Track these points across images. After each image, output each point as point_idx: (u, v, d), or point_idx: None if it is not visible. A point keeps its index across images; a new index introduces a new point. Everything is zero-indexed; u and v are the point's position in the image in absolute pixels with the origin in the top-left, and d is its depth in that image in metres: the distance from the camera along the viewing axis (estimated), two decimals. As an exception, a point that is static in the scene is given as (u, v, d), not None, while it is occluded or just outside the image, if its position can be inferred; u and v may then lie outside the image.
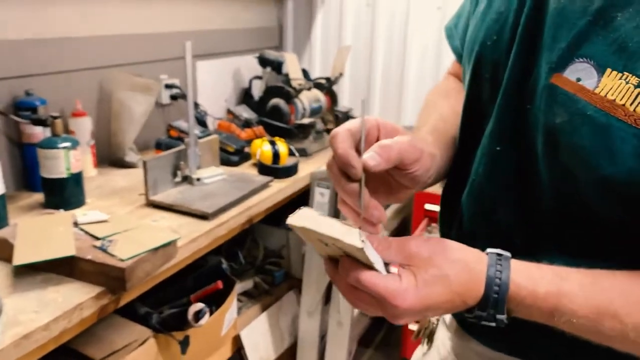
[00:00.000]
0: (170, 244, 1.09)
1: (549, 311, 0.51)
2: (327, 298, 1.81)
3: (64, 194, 1.30)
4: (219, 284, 1.58)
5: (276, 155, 1.62)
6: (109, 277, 0.99)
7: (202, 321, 1.38)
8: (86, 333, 1.24)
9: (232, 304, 1.61)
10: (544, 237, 0.58)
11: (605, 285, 0.50)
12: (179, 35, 1.92)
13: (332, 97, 1.98)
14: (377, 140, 0.57)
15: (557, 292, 0.50)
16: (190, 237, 1.20)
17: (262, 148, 1.62)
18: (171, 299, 1.61)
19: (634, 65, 0.46)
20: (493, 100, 0.60)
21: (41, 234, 1.07)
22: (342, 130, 0.53)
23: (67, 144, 1.28)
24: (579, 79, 0.50)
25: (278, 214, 1.56)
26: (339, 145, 0.52)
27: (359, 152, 0.53)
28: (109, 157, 1.68)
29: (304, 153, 1.79)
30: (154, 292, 1.53)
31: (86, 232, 1.10)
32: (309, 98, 1.82)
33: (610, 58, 0.48)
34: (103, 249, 1.02)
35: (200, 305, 1.38)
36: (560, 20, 0.53)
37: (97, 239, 1.07)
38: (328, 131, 2.06)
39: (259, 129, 1.83)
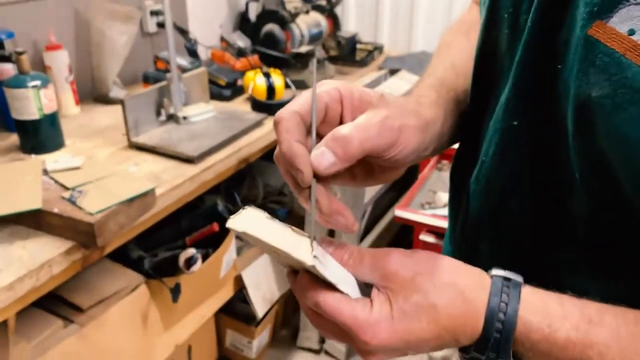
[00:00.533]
0: (147, 194, 1.00)
1: None
2: (331, 234, 1.74)
3: (38, 136, 1.21)
4: (215, 227, 1.51)
5: (271, 89, 1.49)
6: (78, 232, 0.91)
7: (195, 267, 1.32)
8: (75, 279, 1.20)
9: (229, 246, 1.55)
10: (567, 244, 0.45)
11: None
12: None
13: (335, 21, 1.80)
14: (341, 119, 0.43)
15: (583, 341, 0.38)
16: (173, 184, 1.11)
17: (255, 81, 1.49)
18: (166, 241, 1.56)
19: None
20: (512, 54, 0.45)
21: (7, 183, 0.99)
22: (287, 115, 0.40)
23: (36, 83, 1.17)
24: (632, 31, 0.34)
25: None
26: (283, 138, 0.40)
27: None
28: (93, 93, 1.57)
29: (302, 85, 1.65)
30: (148, 234, 1.48)
31: (56, 181, 1.01)
32: (308, 23, 1.65)
33: None
34: (72, 201, 0.94)
35: (191, 252, 1.32)
36: None
37: (67, 189, 0.98)
38: (331, 59, 1.90)
39: (254, 58, 1.69)
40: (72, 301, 1.19)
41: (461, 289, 0.40)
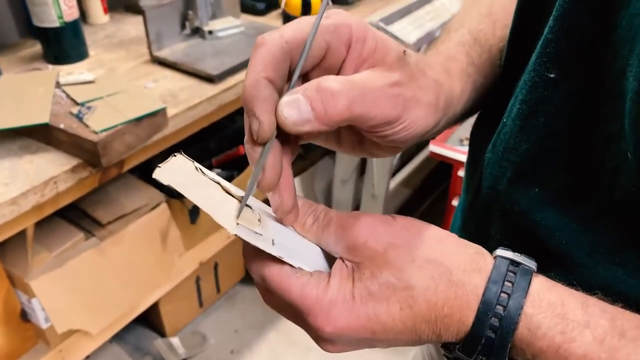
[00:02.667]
0: (157, 114, 0.95)
1: None
2: (362, 169, 1.67)
3: (59, 45, 1.17)
4: (241, 150, 1.48)
5: (306, 4, 1.37)
6: (84, 150, 0.88)
7: (214, 191, 1.30)
8: (97, 193, 1.21)
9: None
10: (603, 240, 0.34)
11: None
12: None
13: None
14: (341, 68, 0.32)
15: (607, 358, 0.28)
16: (189, 104, 1.06)
17: (292, -5, 1.37)
18: (193, 159, 1.55)
19: None
20: None
21: (19, 95, 0.97)
22: (273, 41, 0.30)
23: (55, -13, 1.11)
24: None
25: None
26: (251, 70, 0.29)
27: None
28: (124, 1, 1.50)
29: (344, 1, 1.51)
30: (175, 151, 1.47)
31: (67, 95, 0.98)
32: None
33: None
34: (79, 117, 0.91)
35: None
36: None
37: (77, 104, 0.95)
38: (379, -27, 1.72)
39: (294, -32, 1.55)
40: (93, 215, 1.21)
41: (448, 268, 0.31)
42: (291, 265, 0.32)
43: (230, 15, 1.35)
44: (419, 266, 0.31)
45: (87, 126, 0.88)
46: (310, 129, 0.29)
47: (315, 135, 0.35)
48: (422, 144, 1.88)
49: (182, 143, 1.16)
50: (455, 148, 1.40)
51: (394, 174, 1.74)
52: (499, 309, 0.30)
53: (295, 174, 1.76)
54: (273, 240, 0.32)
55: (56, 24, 1.14)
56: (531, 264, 0.31)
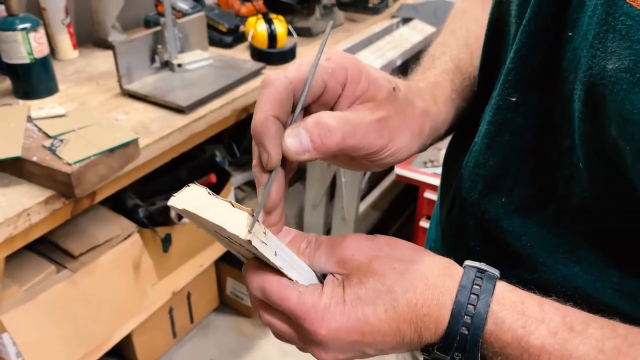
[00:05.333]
0: (129, 145, 0.98)
1: None
2: (332, 193, 1.72)
3: (29, 81, 1.19)
4: (212, 178, 1.51)
5: (272, 37, 1.42)
6: (57, 182, 0.90)
7: (186, 219, 1.32)
8: (68, 225, 1.21)
9: (227, 198, 1.54)
10: (562, 242, 0.39)
11: None
12: None
13: (345, -35, 1.70)
14: (336, 104, 0.37)
15: (560, 351, 0.32)
16: (160, 134, 1.09)
17: (256, 28, 1.43)
18: (165, 190, 1.56)
19: None
20: (520, 23, 0.39)
21: (-10, 130, 0.98)
22: (277, 82, 0.34)
23: (26, 25, 1.14)
24: None
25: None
26: (260, 108, 0.34)
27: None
28: (92, 37, 1.53)
29: (308, 33, 1.58)
30: (146, 183, 1.48)
31: (39, 129, 1.00)
32: (315, -34, 1.56)
33: None
34: (52, 150, 0.93)
35: (182, 203, 1.31)
36: None
37: (49, 137, 0.97)
38: (340, 5, 1.81)
39: (259, 3, 1.61)
40: (64, 247, 1.21)
41: (424, 274, 0.36)
42: (289, 278, 0.36)
43: (199, 48, 1.39)
44: (399, 273, 0.36)
45: (60, 158, 0.90)
46: (309, 158, 0.35)
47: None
48: (389, 168, 1.94)
49: (154, 173, 1.19)
50: (419, 170, 1.46)
51: (362, 197, 1.79)
52: (470, 308, 0.34)
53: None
54: (275, 252, 0.36)
55: (26, 60, 1.16)
56: (495, 271, 0.36)
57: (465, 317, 0.34)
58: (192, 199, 0.36)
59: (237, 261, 1.76)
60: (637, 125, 0.29)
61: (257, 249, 0.34)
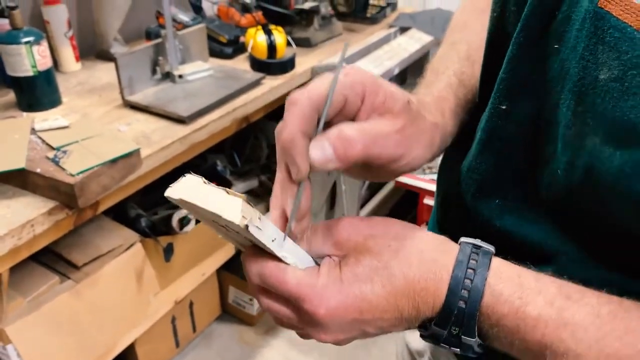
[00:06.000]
0: (132, 155, 0.99)
1: (538, 348, 0.34)
2: (332, 201, 1.73)
3: (33, 93, 1.21)
4: (213, 187, 1.51)
5: (272, 47, 1.44)
6: (60, 192, 0.91)
7: (188, 228, 1.33)
8: (72, 235, 1.22)
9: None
10: (549, 237, 0.41)
11: (636, 325, 0.33)
12: None
13: (344, -24, 1.72)
14: (357, 113, 0.39)
15: (556, 320, 0.33)
16: (162, 145, 1.10)
17: (256, 39, 1.45)
18: (166, 200, 1.57)
19: None
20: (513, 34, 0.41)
21: (-5, 142, 0.99)
22: (302, 101, 0.36)
23: (29, 39, 1.16)
24: None
25: (283, 108, 1.43)
26: (288, 126, 0.36)
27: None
28: (95, 49, 1.55)
29: (307, 43, 1.60)
30: (149, 193, 1.50)
31: (43, 141, 1.01)
32: (314, -23, 1.58)
33: None
34: (55, 161, 0.94)
35: (184, 212, 1.32)
36: None
37: (53, 148, 0.98)
38: (339, 15, 1.83)
39: (259, 14, 1.63)
40: (68, 258, 1.22)
41: (420, 250, 0.37)
42: (287, 264, 0.37)
43: (199, 59, 1.41)
44: (395, 249, 0.37)
45: (63, 169, 0.92)
46: (333, 167, 0.36)
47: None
48: (388, 175, 1.96)
49: (156, 183, 1.20)
50: (419, 177, 1.47)
51: (362, 205, 1.80)
52: (467, 282, 0.35)
53: (267, 209, 1.80)
54: (272, 238, 0.37)
55: (30, 73, 1.18)
56: (490, 247, 0.37)
57: (463, 291, 0.35)
58: (188, 188, 0.36)
59: (239, 269, 1.78)
60: (627, 130, 0.30)
61: (252, 234, 0.35)
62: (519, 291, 0.35)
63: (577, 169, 0.36)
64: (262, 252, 0.38)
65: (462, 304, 0.35)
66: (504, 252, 0.38)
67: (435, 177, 1.46)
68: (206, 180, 0.37)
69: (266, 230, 0.36)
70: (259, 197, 1.79)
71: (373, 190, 1.93)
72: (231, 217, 0.34)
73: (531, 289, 0.35)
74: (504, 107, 0.41)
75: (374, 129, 0.37)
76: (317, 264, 0.39)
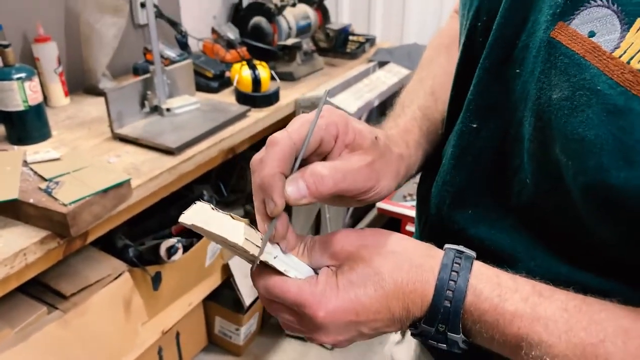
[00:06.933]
0: (122, 185, 1.03)
1: (515, 340, 0.38)
2: (317, 227, 1.76)
3: (23, 127, 1.24)
4: (200, 217, 1.54)
5: (256, 82, 1.50)
6: (53, 222, 0.94)
7: (175, 257, 1.35)
8: (60, 267, 1.24)
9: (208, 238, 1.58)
10: (520, 243, 0.45)
11: (598, 317, 0.36)
12: (155, -55, 1.75)
13: (324, 13, 1.81)
14: (330, 153, 0.44)
15: (531, 314, 0.37)
16: (151, 175, 1.14)
17: (241, 73, 1.51)
18: (154, 230, 1.60)
19: None
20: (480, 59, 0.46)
21: (-13, 174, 1.02)
22: (283, 142, 0.40)
23: (21, 75, 1.20)
24: (592, 33, 0.34)
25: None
26: (268, 165, 0.40)
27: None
28: (83, 84, 1.60)
29: (290, 77, 1.67)
30: (136, 223, 1.52)
31: (35, 173, 1.04)
32: (295, 15, 1.66)
33: None
34: (48, 192, 0.97)
35: (172, 241, 1.35)
36: None
37: (45, 180, 1.01)
38: (320, 51, 1.91)
39: (243, 50, 1.70)
40: (56, 288, 1.23)
41: (408, 257, 0.41)
42: (288, 277, 0.41)
43: (187, 93, 1.46)
44: (385, 257, 0.41)
45: (56, 199, 0.95)
46: (307, 202, 0.40)
47: None
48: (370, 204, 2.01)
49: (144, 213, 1.23)
50: (400, 204, 1.52)
51: (346, 232, 1.84)
52: (451, 283, 0.39)
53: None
54: (275, 257, 0.41)
55: (21, 107, 1.22)
56: (472, 252, 0.42)
57: (448, 291, 0.39)
58: (198, 214, 0.41)
59: (225, 299, 1.80)
60: (577, 143, 0.35)
61: (254, 255, 0.40)
62: (497, 290, 0.39)
63: (542, 178, 0.41)
64: (267, 267, 0.42)
65: (447, 304, 0.39)
66: (479, 259, 0.43)
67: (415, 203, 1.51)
68: (214, 207, 0.42)
69: (267, 248, 0.41)
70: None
71: (357, 217, 1.98)
72: (235, 240, 0.39)
73: (508, 287, 0.39)
74: (474, 126, 0.46)
75: (344, 166, 0.42)
76: (317, 274, 0.43)
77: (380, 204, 1.53)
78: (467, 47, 0.50)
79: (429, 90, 0.59)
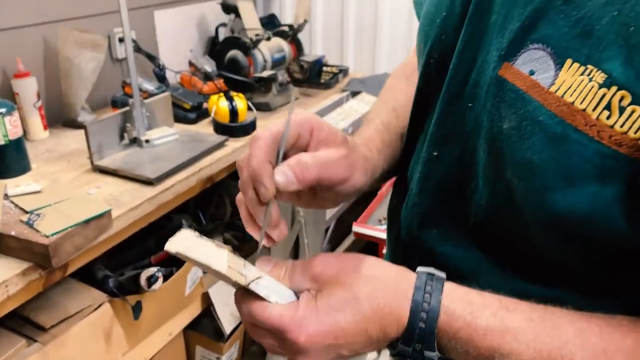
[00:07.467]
0: (103, 216, 1.05)
1: (488, 352, 0.41)
2: (295, 254, 1.79)
3: (4, 161, 1.26)
4: (179, 246, 1.56)
5: (233, 112, 1.55)
6: (34, 253, 0.96)
7: (156, 286, 1.37)
8: (39, 299, 1.24)
9: (193, 265, 1.59)
10: (479, 260, 0.49)
11: (559, 323, 0.41)
12: (132, -17, 1.81)
13: (298, 46, 1.88)
14: (307, 147, 0.49)
15: (500, 327, 0.41)
16: (131, 205, 1.16)
17: (219, 104, 1.56)
18: (134, 260, 1.61)
19: (599, 56, 0.35)
20: (438, 95, 0.51)
21: (-32, 208, 1.03)
22: (265, 136, 0.46)
23: (1, 110, 1.22)
24: (532, 72, 0.39)
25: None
26: (255, 156, 0.45)
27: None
28: (62, 117, 1.62)
29: (266, 107, 1.72)
30: (116, 254, 1.53)
31: (16, 205, 1.06)
32: (270, 48, 1.72)
33: (572, 44, 0.37)
34: (29, 224, 0.99)
35: (152, 271, 1.36)
36: None
37: (26, 212, 1.03)
38: (295, 82, 1.97)
39: (220, 82, 1.75)
40: (35, 320, 1.23)
41: (383, 281, 0.44)
42: (269, 302, 0.44)
43: (165, 125, 1.50)
44: (362, 282, 0.44)
45: (37, 231, 0.97)
46: (294, 188, 0.45)
47: (289, 193, 0.51)
48: (348, 228, 2.05)
49: (123, 243, 1.25)
50: (375, 227, 1.57)
51: (324, 257, 1.87)
52: (425, 305, 0.42)
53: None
54: (257, 282, 0.44)
55: (1, 142, 1.24)
56: (442, 274, 0.45)
57: (422, 312, 0.42)
58: (183, 241, 0.43)
59: (205, 328, 1.81)
60: (525, 166, 0.40)
61: (237, 281, 0.43)
62: (469, 308, 0.42)
63: (495, 199, 0.46)
64: (249, 293, 0.45)
65: (422, 324, 0.41)
66: (448, 275, 0.47)
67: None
68: (198, 234, 0.44)
69: (250, 275, 0.44)
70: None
71: (335, 243, 2.01)
72: (219, 268, 0.42)
73: (478, 304, 0.42)
74: (435, 154, 0.52)
75: (325, 156, 0.47)
76: (298, 298, 0.46)
77: (356, 228, 1.58)
78: (423, 77, 0.56)
79: (391, 108, 0.65)
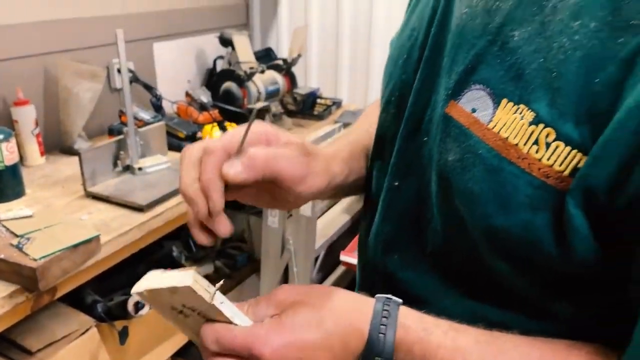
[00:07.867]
0: (91, 241, 1.08)
1: None
2: (285, 279, 1.81)
3: (-1, 186, 1.29)
4: (169, 272, 1.58)
5: (226, 142, 1.59)
6: (23, 277, 0.98)
7: (143, 311, 1.38)
8: (28, 322, 1.25)
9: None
10: (439, 285, 0.52)
11: (504, 348, 0.43)
12: (134, 17, 1.88)
13: (291, 79, 1.93)
14: None
15: (452, 344, 0.43)
16: (120, 231, 1.19)
17: (212, 134, 1.60)
18: (123, 285, 1.62)
19: (529, 97, 0.39)
20: (398, 129, 0.55)
21: (-40, 231, 1.06)
22: (218, 150, 0.47)
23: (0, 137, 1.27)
24: (474, 110, 0.43)
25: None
26: (207, 169, 0.46)
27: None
28: (59, 144, 1.66)
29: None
30: (105, 279, 1.54)
31: (7, 229, 1.09)
32: (264, 81, 1.78)
33: (507, 86, 0.41)
34: (19, 248, 1.01)
35: (140, 296, 1.38)
36: (459, 40, 0.47)
37: (17, 236, 1.06)
38: (288, 113, 2.02)
39: (215, 112, 1.80)
40: (22, 344, 1.24)
41: (346, 301, 0.47)
42: (235, 324, 0.45)
43: (159, 153, 1.54)
44: (325, 303, 0.46)
45: (26, 254, 0.99)
46: (243, 177, 0.46)
47: (247, 191, 0.53)
48: (337, 258, 2.06)
49: (113, 269, 1.27)
50: (363, 257, 1.58)
51: (314, 286, 1.88)
52: (384, 320, 0.45)
53: (224, 292, 1.85)
54: (222, 303, 0.45)
55: (-2, 167, 1.27)
56: (399, 300, 0.48)
57: (381, 327, 0.44)
58: (149, 280, 0.44)
59: (193, 356, 1.81)
60: (468, 195, 0.44)
61: (202, 297, 0.43)
62: (422, 324, 0.45)
63: (449, 226, 0.49)
64: (214, 321, 0.45)
65: (382, 337, 0.44)
66: (407, 299, 0.49)
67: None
68: (165, 270, 0.45)
69: (216, 295, 0.44)
70: (215, 281, 1.85)
71: (325, 273, 2.03)
72: (184, 283, 0.42)
73: (431, 322, 0.45)
74: (396, 184, 0.55)
75: (276, 151, 0.49)
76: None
77: (344, 257, 1.59)
78: (385, 113, 0.60)
79: (365, 128, 0.69)
